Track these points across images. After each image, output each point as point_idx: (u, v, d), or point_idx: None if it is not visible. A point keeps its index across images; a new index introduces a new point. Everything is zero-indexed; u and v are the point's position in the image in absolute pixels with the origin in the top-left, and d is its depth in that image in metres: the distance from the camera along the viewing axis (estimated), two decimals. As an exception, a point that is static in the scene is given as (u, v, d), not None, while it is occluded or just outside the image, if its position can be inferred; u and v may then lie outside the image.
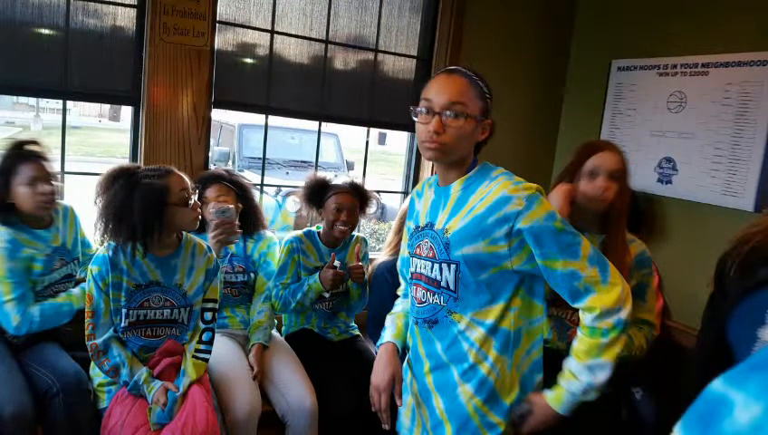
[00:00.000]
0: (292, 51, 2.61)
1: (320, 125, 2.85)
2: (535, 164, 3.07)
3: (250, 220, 2.23)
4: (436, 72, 1.39)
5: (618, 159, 1.61)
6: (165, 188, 1.70)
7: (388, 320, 1.53)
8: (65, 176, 2.26)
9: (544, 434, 1.29)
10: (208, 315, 1.88)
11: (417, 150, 2.72)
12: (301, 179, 2.42)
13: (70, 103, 3.97)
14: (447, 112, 1.23)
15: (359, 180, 2.42)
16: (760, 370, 0.50)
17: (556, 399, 1.25)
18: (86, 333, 1.74)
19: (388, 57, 2.82)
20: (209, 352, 1.86)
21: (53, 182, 1.86)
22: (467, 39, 2.83)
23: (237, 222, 2.07)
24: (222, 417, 1.85)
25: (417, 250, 1.37)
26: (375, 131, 4.37)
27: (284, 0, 2.54)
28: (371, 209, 2.37)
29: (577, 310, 1.27)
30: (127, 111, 3.33)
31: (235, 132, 5.98)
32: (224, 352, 2.07)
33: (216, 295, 1.90)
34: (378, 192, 2.70)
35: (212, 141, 2.61)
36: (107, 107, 15.85)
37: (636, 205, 1.88)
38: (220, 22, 2.40)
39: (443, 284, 1.30)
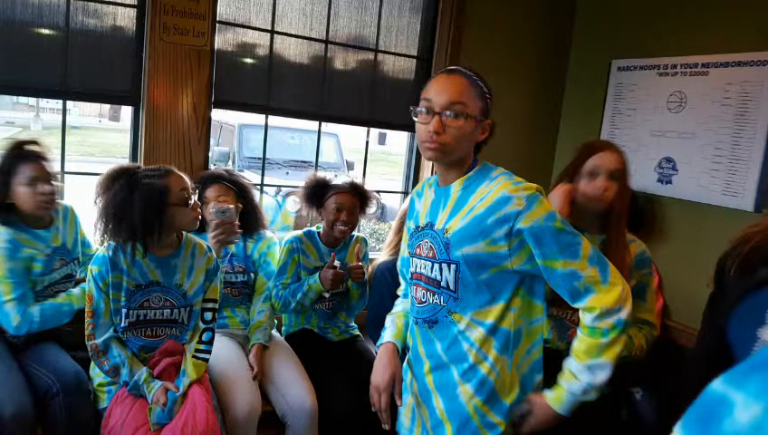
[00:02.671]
0: (292, 51, 2.61)
1: (320, 125, 2.85)
2: (535, 164, 3.08)
3: (250, 220, 2.23)
4: (436, 73, 1.38)
5: (618, 159, 1.61)
6: (165, 188, 1.70)
7: (388, 320, 1.53)
8: (65, 176, 2.26)
9: (544, 434, 1.29)
10: (208, 315, 1.88)
11: (417, 150, 2.72)
12: (301, 179, 2.42)
13: (70, 103, 3.97)
14: (447, 112, 1.23)
15: (359, 180, 2.42)
16: (760, 370, 0.50)
17: (556, 399, 1.25)
18: (86, 333, 1.74)
19: (388, 57, 2.82)
20: (209, 352, 1.86)
21: (53, 182, 1.86)
22: (467, 39, 2.83)
23: (237, 222, 2.07)
24: (222, 417, 1.85)
25: (417, 250, 1.37)
26: (375, 131, 4.37)
27: (284, 0, 2.54)
28: (371, 209, 2.37)
29: (577, 310, 1.27)
30: (127, 111, 3.33)
31: (235, 132, 5.97)
32: (224, 352, 2.07)
33: (216, 295, 1.90)
34: (378, 192, 2.70)
35: (212, 141, 2.61)
36: (107, 107, 15.86)
37: (636, 205, 1.87)
38: (220, 22, 2.40)
39: (443, 284, 1.30)
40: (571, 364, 1.25)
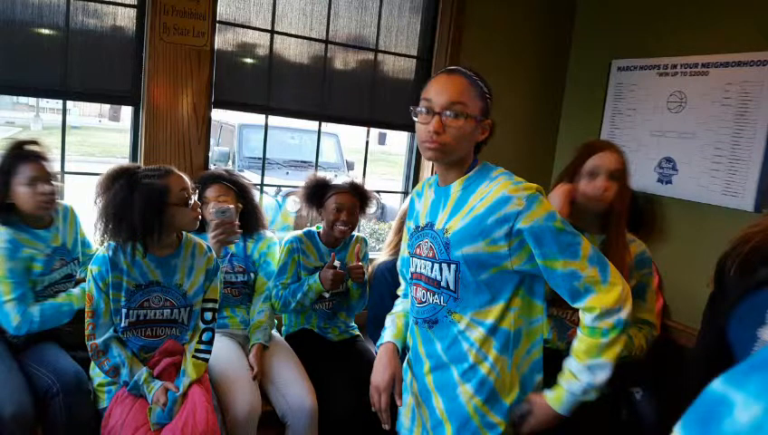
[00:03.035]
0: (292, 51, 2.61)
1: (320, 125, 2.85)
2: (535, 164, 3.08)
3: (250, 220, 2.23)
4: (436, 73, 1.38)
5: (618, 159, 1.61)
6: (165, 188, 1.70)
7: (388, 320, 1.53)
8: (65, 176, 2.26)
9: (544, 434, 1.29)
10: (208, 315, 1.88)
11: (418, 150, 2.72)
12: (301, 179, 2.42)
13: (70, 103, 3.97)
14: (447, 112, 1.23)
15: (359, 180, 2.42)
16: (760, 370, 0.50)
17: (556, 399, 1.25)
18: (86, 333, 1.74)
19: (388, 57, 2.82)
20: (209, 352, 1.86)
21: (53, 182, 1.86)
22: (467, 39, 2.83)
23: (237, 222, 2.07)
24: (222, 417, 1.85)
25: (417, 250, 1.37)
26: (375, 131, 4.37)
27: (284, 0, 2.54)
28: (371, 209, 2.37)
29: (577, 310, 1.27)
30: (127, 111, 3.33)
31: (235, 132, 5.97)
32: (224, 352, 2.07)
33: (216, 295, 1.90)
34: (378, 192, 2.70)
35: (212, 141, 2.61)
36: (107, 107, 15.86)
37: (636, 205, 1.87)
38: (220, 22, 2.40)
39: (443, 284, 1.30)
40: (571, 364, 1.25)
